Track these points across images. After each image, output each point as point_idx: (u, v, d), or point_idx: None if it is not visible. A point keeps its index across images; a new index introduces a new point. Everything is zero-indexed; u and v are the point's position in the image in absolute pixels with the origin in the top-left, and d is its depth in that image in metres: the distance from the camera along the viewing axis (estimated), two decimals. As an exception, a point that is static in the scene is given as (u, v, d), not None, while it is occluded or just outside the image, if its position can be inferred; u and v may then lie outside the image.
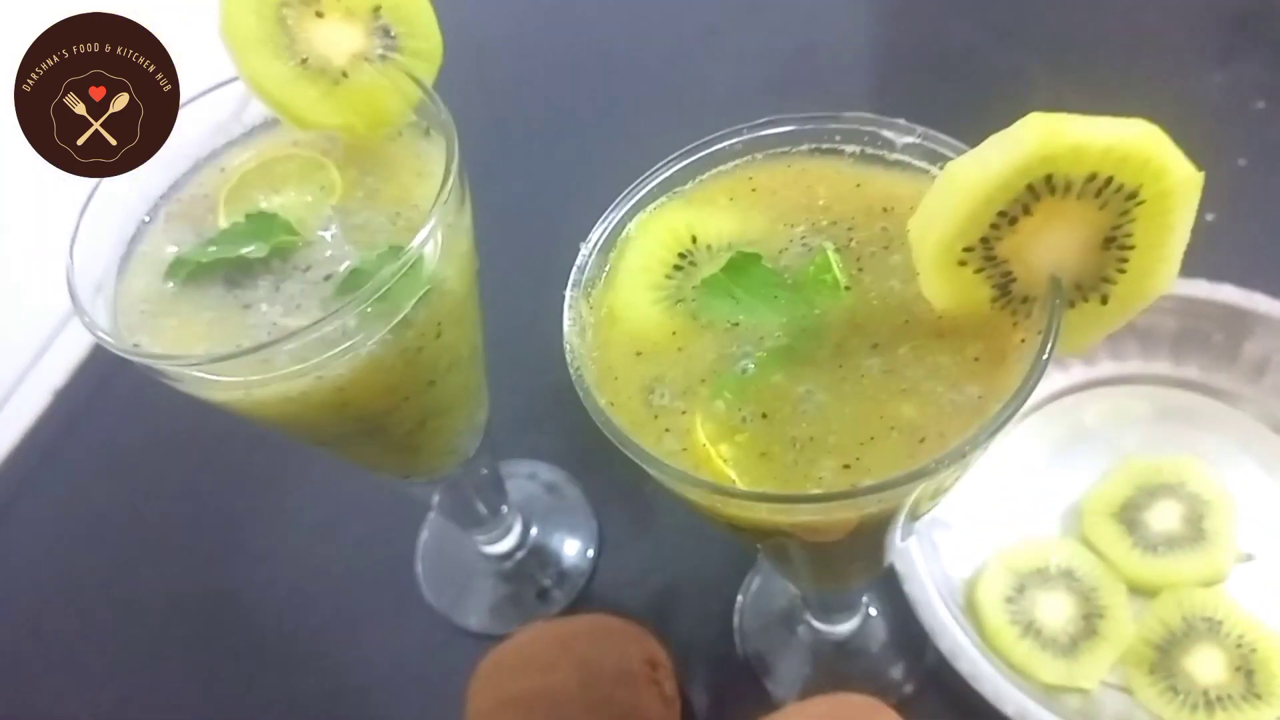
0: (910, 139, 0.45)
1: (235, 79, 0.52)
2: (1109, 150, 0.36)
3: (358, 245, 0.50)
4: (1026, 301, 0.40)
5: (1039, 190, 0.37)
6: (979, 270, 0.39)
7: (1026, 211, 0.38)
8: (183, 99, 0.45)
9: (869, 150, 0.47)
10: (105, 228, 0.53)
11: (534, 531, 0.79)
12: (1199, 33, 1.02)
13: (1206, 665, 0.64)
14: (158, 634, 0.82)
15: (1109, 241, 0.38)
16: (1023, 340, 0.40)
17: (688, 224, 0.46)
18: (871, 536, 0.45)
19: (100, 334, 0.47)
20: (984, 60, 1.03)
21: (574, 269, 0.45)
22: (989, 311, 0.40)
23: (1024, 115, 0.37)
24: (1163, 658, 0.65)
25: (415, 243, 0.46)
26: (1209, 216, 0.86)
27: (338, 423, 0.51)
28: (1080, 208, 0.38)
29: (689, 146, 0.47)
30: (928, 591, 0.66)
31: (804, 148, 0.48)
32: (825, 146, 0.47)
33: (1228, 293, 0.75)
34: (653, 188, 0.47)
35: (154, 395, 0.95)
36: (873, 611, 0.72)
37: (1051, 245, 0.39)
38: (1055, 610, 0.67)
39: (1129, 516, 0.70)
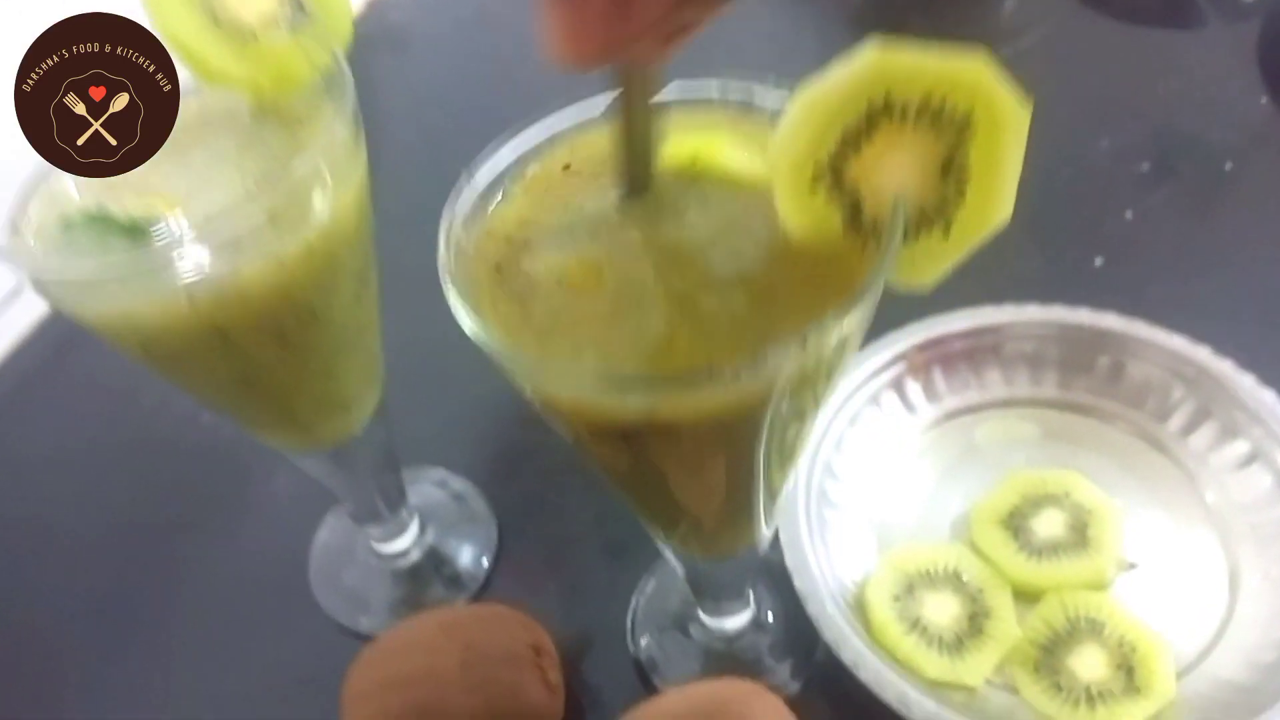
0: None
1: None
2: (942, 71, 0.39)
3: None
4: (876, 227, 0.43)
5: (877, 113, 0.40)
6: (830, 197, 0.42)
7: (869, 135, 0.41)
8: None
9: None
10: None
11: (431, 534, 0.79)
12: (1087, 106, 1.09)
13: (1089, 663, 0.65)
14: (51, 646, 0.80)
15: (946, 169, 0.41)
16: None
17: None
18: (741, 444, 0.46)
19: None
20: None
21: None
22: (842, 240, 0.43)
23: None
24: (1046, 657, 0.65)
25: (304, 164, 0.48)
26: (1098, 261, 0.92)
27: (216, 357, 0.52)
28: (917, 135, 0.41)
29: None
30: (817, 586, 0.67)
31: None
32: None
33: (1110, 320, 0.79)
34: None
35: (63, 404, 0.96)
36: (767, 615, 0.72)
37: (894, 170, 0.42)
38: (942, 609, 0.67)
39: (1015, 524, 0.71)
